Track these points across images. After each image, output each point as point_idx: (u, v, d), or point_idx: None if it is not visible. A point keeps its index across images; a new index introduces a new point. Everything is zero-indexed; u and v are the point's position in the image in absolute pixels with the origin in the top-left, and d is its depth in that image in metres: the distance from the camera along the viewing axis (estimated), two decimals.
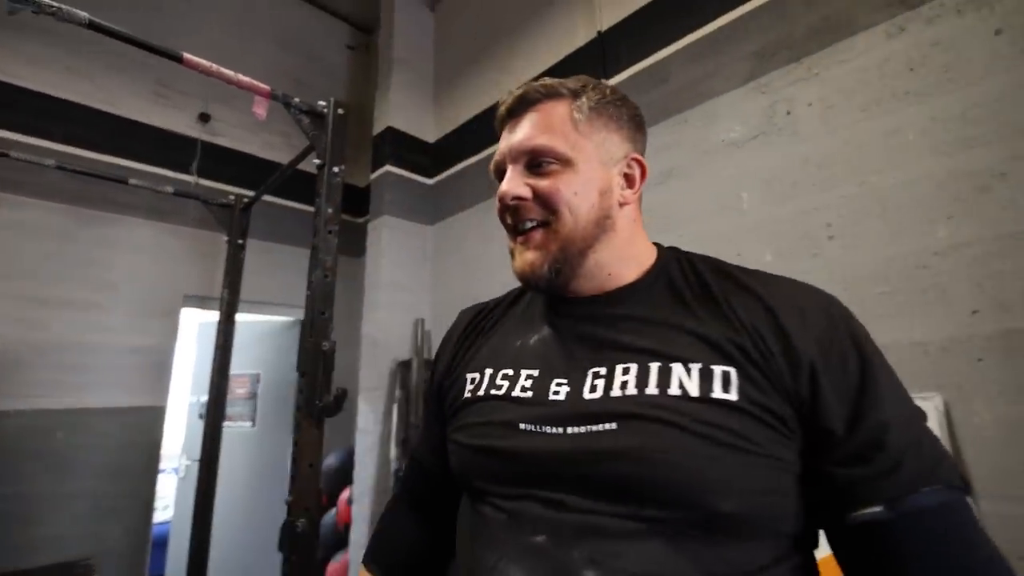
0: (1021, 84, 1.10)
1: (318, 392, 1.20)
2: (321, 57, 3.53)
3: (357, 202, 3.32)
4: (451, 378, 0.66)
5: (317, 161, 1.32)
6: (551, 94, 0.59)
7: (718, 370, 0.48)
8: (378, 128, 2.91)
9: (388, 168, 2.76)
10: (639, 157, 0.61)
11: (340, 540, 2.61)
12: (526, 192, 0.57)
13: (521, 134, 0.58)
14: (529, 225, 0.57)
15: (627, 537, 0.44)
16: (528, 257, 0.57)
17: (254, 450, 3.14)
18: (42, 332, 2.29)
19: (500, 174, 0.61)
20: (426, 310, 2.71)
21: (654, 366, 0.50)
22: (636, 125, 0.62)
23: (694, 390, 0.47)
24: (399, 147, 2.82)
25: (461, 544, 0.57)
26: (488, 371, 0.61)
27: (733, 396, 0.46)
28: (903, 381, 0.48)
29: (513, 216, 0.58)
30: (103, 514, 2.33)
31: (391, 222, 2.69)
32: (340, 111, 1.35)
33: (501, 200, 0.58)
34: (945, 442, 1.08)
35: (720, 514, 0.43)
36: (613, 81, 1.95)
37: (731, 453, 0.44)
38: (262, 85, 1.22)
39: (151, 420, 2.54)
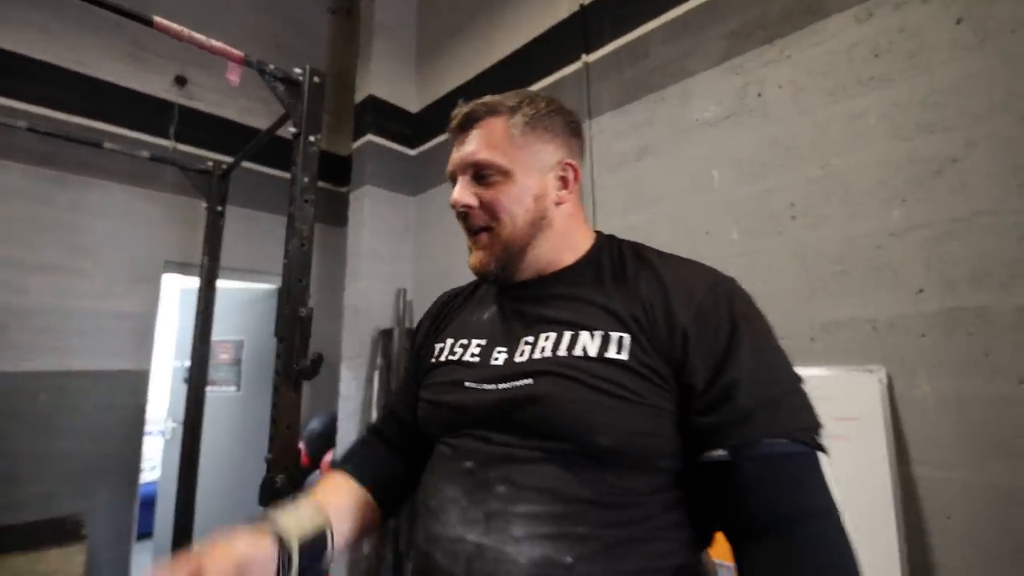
0: (978, 72, 1.13)
1: (295, 356, 1.24)
2: (302, 21, 3.43)
3: (340, 171, 3.29)
4: (426, 347, 0.79)
5: (293, 130, 1.32)
6: (491, 111, 0.68)
7: (615, 335, 0.58)
8: (360, 96, 2.86)
9: (370, 137, 2.73)
10: (572, 161, 0.71)
11: None
12: (473, 201, 0.68)
13: (468, 148, 0.68)
14: (477, 229, 0.69)
15: (532, 462, 0.56)
16: (479, 256, 0.70)
17: (239, 414, 3.20)
18: (22, 296, 2.29)
19: (454, 181, 0.71)
20: (408, 280, 2.73)
21: (567, 333, 0.61)
22: (571, 132, 0.72)
23: (593, 351, 0.58)
24: (381, 116, 2.78)
25: (421, 484, 0.68)
26: (450, 341, 0.74)
27: (624, 356, 0.56)
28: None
29: (464, 221, 0.70)
30: (90, 474, 2.39)
31: (373, 192, 2.68)
32: (316, 79, 1.34)
33: (453, 207, 0.69)
34: (887, 411, 1.16)
35: (602, 448, 0.54)
36: (594, 56, 1.95)
37: (617, 401, 0.55)
38: (235, 51, 1.21)
39: (135, 383, 2.57)
